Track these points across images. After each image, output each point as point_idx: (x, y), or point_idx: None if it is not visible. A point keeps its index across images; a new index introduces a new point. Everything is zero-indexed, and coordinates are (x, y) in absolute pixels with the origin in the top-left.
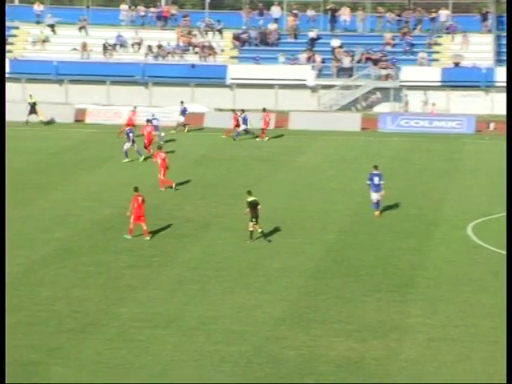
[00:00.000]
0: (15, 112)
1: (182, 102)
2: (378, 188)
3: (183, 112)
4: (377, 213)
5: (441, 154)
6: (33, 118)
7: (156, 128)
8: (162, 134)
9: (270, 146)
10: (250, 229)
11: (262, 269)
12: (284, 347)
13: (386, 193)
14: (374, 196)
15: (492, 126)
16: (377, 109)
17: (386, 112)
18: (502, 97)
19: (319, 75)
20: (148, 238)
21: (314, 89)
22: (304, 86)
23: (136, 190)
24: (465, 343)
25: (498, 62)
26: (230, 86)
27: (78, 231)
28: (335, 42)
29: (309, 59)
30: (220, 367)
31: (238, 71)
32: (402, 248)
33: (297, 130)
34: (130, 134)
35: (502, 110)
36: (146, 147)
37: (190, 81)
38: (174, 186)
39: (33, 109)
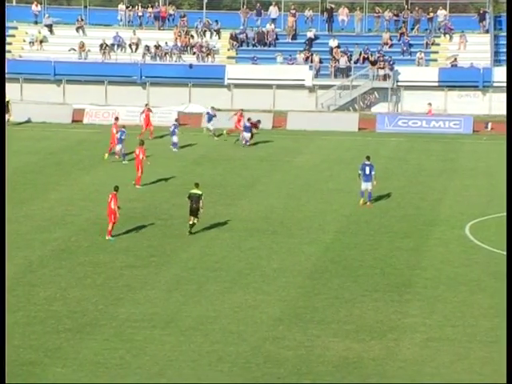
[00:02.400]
0: (13, 112)
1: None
2: (368, 178)
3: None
4: (368, 203)
5: (438, 154)
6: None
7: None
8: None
9: (267, 147)
10: (190, 222)
11: (259, 269)
12: (282, 347)
13: (378, 185)
14: (364, 186)
15: (489, 126)
16: (374, 109)
17: (384, 112)
18: (500, 97)
19: (317, 75)
20: (107, 237)
21: (311, 89)
22: (302, 86)
23: (115, 189)
24: (462, 343)
25: (496, 62)
26: (227, 87)
27: (76, 231)
28: (333, 42)
29: (306, 59)
30: (218, 367)
31: (235, 71)
32: (399, 248)
33: (294, 130)
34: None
35: (499, 110)
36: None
37: (187, 81)
38: (135, 184)
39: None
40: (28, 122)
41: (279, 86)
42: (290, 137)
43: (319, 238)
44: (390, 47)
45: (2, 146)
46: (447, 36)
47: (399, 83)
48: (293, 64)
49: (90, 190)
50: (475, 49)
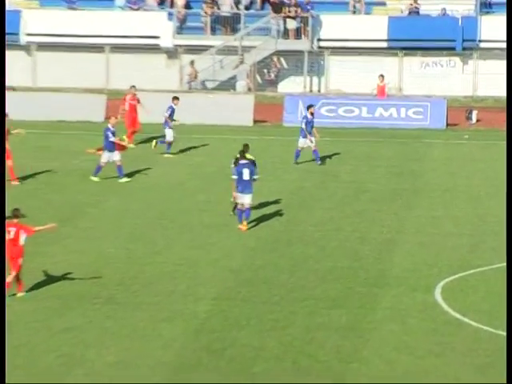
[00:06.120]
0: None
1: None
2: (249, 185)
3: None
4: (242, 225)
5: (389, 163)
6: None
7: None
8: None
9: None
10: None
11: (83, 365)
12: None
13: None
14: (241, 198)
15: (474, 116)
16: (282, 88)
17: (297, 93)
18: (491, 66)
19: (181, 29)
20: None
21: (172, 53)
22: (156, 49)
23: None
24: None
25: (483, 7)
26: (25, 48)
27: None
28: None
29: (162, 2)
30: None
31: (38, 22)
32: (323, 326)
33: (141, 124)
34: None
35: (489, 88)
36: None
37: None
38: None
39: None
40: None
41: (116, 48)
42: (135, 135)
43: (187, 309)
44: None
45: (2, 144)
46: None
47: (322, 43)
48: (139, 10)
49: None
50: None
